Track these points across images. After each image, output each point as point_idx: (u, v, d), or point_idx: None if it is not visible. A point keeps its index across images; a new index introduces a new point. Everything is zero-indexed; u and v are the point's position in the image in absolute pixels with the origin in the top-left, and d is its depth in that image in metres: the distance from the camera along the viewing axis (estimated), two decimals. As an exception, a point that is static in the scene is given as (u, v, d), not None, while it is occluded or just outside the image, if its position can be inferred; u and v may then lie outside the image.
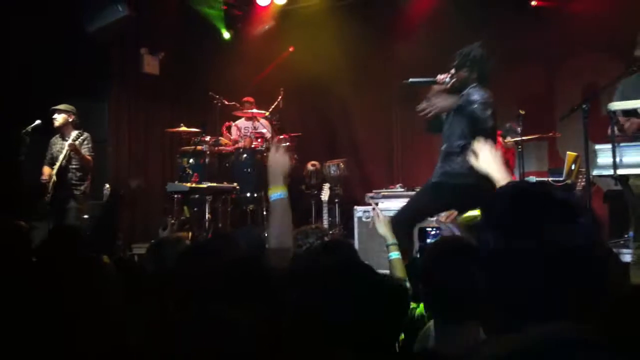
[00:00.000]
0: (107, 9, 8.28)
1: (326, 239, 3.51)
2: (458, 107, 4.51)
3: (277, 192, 2.82)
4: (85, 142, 7.06)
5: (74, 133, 7.00)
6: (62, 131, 7.10)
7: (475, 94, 4.49)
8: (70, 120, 7.12)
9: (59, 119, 7.07)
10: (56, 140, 7.14)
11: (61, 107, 7.09)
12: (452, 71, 4.65)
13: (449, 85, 4.63)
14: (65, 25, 7.81)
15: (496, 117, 4.60)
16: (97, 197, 7.68)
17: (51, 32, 7.53)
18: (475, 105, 4.42)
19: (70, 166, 6.99)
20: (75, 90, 7.69)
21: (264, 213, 7.75)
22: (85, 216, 7.10)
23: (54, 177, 6.92)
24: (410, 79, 4.74)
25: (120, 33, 8.50)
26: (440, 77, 4.64)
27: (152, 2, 8.47)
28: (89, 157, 7.04)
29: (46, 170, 7.01)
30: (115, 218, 8.00)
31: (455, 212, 3.57)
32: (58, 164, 6.93)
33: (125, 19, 8.23)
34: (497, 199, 1.31)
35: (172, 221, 4.23)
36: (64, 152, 6.93)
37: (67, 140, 6.94)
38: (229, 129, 9.01)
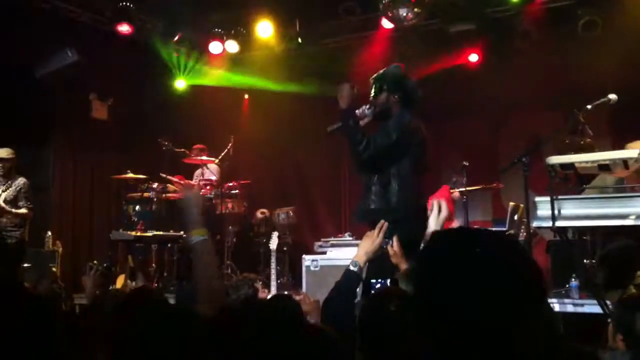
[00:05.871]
0: (56, 54, 8.23)
1: (256, 285, 3.50)
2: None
3: (199, 235, 2.79)
4: (22, 192, 6.87)
5: (15, 182, 6.83)
6: (5, 176, 6.92)
7: (394, 118, 4.24)
8: (13, 165, 6.96)
9: (4, 167, 6.89)
10: None
11: (1, 154, 6.92)
12: (371, 99, 4.39)
13: (371, 116, 4.34)
14: (13, 70, 7.70)
15: (414, 147, 4.22)
16: (38, 244, 7.48)
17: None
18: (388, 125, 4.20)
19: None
20: (21, 134, 7.54)
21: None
22: (25, 265, 6.89)
23: None
24: (329, 128, 4.38)
25: (68, 78, 8.41)
26: (358, 111, 4.31)
27: (101, 47, 8.43)
28: (19, 212, 6.84)
29: None
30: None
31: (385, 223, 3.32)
32: None
33: (74, 64, 8.18)
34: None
35: (92, 265, 4.11)
36: None
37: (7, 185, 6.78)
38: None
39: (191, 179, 8.86)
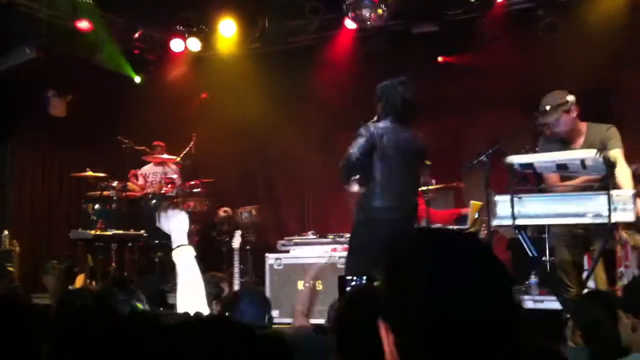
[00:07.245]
0: (15, 50, 8.06)
1: (222, 285, 3.48)
2: None
3: (185, 252, 2.81)
4: None
5: None
6: None
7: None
8: None
9: None
10: None
11: None
12: None
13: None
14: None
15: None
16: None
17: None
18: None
19: None
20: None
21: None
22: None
23: None
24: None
25: (27, 75, 8.22)
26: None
27: (60, 43, 8.26)
28: None
29: None
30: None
31: None
32: None
33: (32, 60, 8.01)
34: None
35: (54, 264, 4.06)
36: None
37: None
38: (135, 177, 8.79)
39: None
